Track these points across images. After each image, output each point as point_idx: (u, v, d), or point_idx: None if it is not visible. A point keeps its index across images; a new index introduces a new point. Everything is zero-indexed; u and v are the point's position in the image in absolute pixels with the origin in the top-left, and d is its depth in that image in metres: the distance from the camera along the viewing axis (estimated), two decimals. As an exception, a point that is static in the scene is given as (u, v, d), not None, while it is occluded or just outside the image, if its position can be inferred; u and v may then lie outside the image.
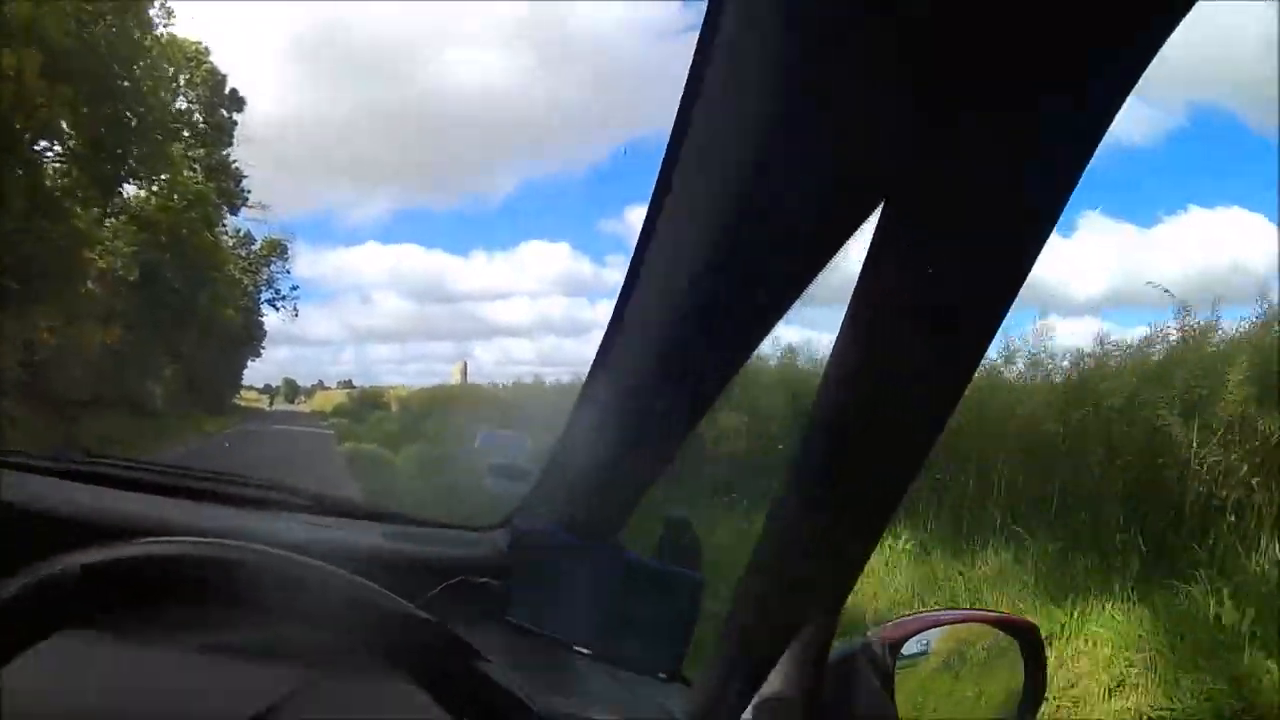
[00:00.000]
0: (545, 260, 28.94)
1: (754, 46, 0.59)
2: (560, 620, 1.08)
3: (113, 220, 18.13)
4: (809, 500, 0.88)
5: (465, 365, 22.97)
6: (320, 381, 37.05)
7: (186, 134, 26.84)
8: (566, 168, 30.21)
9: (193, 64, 26.17)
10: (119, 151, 19.02)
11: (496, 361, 23.17)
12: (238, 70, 20.01)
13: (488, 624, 1.05)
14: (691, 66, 0.61)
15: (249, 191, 28.14)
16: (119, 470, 1.36)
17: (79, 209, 17.00)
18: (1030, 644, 1.13)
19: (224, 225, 29.49)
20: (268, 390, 42.24)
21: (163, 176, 21.42)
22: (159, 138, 20.94)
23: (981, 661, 1.13)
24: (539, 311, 27.89)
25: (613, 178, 26.78)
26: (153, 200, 19.32)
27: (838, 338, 0.75)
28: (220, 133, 27.65)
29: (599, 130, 30.12)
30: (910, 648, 1.06)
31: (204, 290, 19.76)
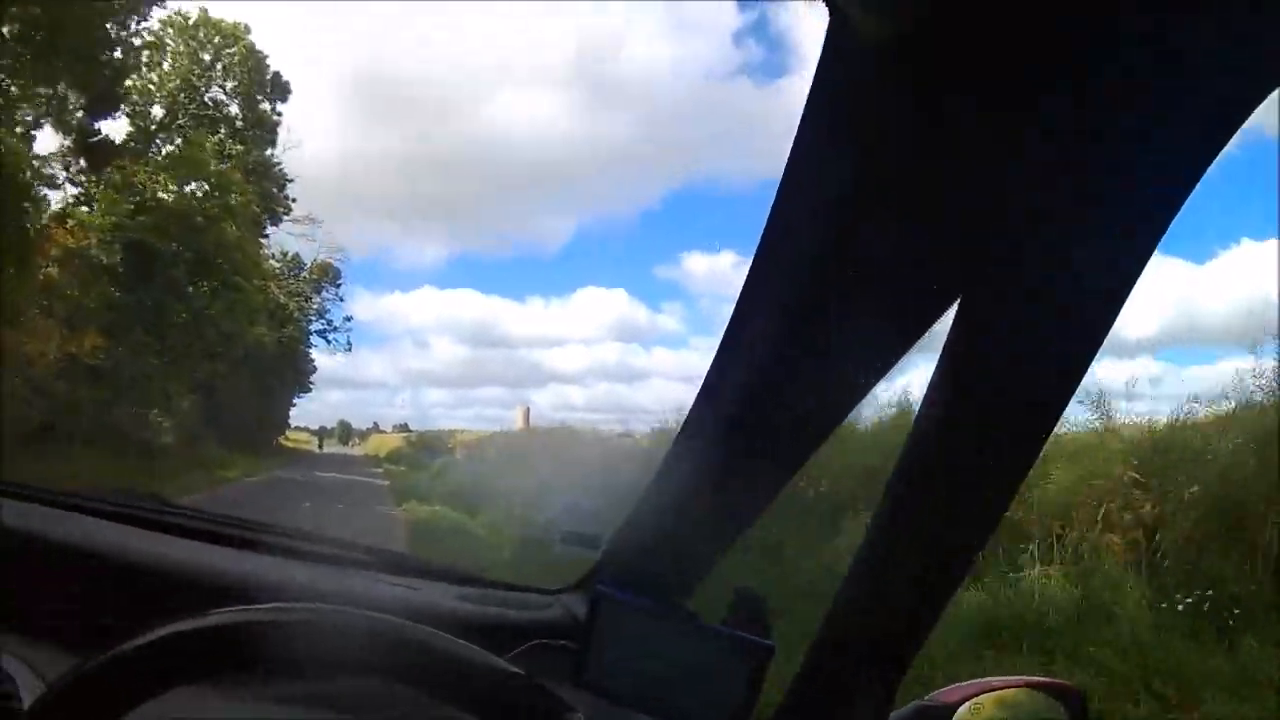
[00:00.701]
0: (600, 306, 29.77)
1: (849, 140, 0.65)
2: (633, 684, 1.11)
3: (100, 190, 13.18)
4: (881, 564, 0.93)
5: (528, 410, 21.45)
6: (375, 424, 36.53)
7: (223, 129, 22.10)
8: (621, 212, 30.78)
9: (228, 43, 21.68)
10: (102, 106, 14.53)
11: (551, 406, 23.38)
12: (291, 113, 19.88)
13: (561, 686, 0.99)
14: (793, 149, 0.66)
15: (294, 199, 23.73)
16: (185, 519, 1.39)
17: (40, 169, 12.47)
18: (1075, 708, 1.19)
19: (266, 238, 25.25)
20: (320, 432, 38.42)
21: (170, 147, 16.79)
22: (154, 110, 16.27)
23: None
24: (594, 357, 28.34)
25: (667, 223, 26.85)
26: (161, 178, 14.57)
27: (920, 407, 0.82)
28: (261, 128, 23.19)
29: (653, 174, 30.17)
30: (963, 712, 1.12)
31: (221, 299, 14.79)
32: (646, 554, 1.25)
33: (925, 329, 0.78)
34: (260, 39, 19.67)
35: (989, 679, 1.20)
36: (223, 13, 20.05)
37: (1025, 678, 1.23)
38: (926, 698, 1.13)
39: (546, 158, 27.04)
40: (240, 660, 0.70)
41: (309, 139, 21.40)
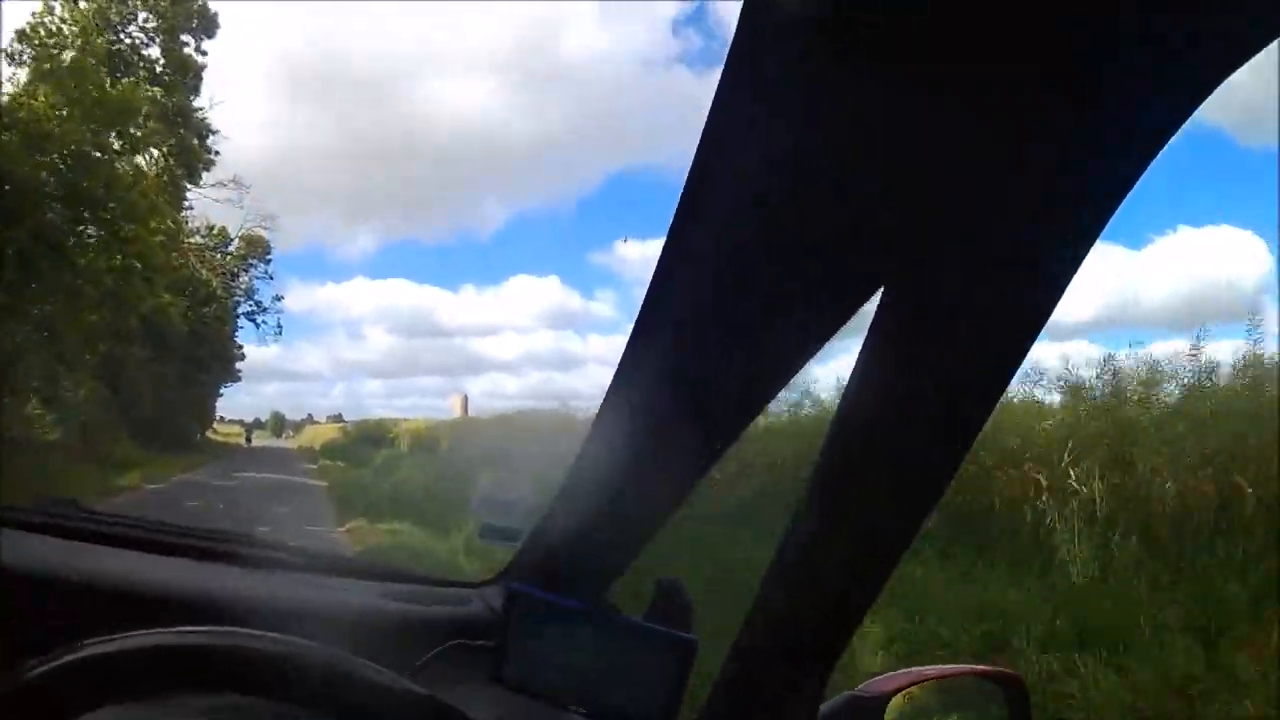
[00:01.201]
0: (534, 294, 30.58)
1: (764, 122, 0.64)
2: (554, 680, 1.11)
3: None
4: (808, 556, 0.94)
5: (465, 398, 22.62)
6: (309, 415, 38.30)
7: (141, 68, 18.84)
8: (555, 200, 30.05)
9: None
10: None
11: (485, 394, 23.87)
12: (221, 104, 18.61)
13: (482, 685, 1.12)
14: (702, 137, 0.65)
15: (217, 153, 20.70)
16: (108, 527, 1.38)
17: None
18: (1015, 695, 1.21)
19: (187, 204, 22.02)
20: (248, 425, 35.52)
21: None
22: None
23: (967, 715, 1.21)
24: (528, 345, 29.03)
25: (601, 210, 26.32)
26: (41, 98, 11.34)
27: (845, 392, 0.81)
28: (183, 71, 19.86)
29: (588, 162, 29.78)
30: (896, 701, 1.11)
31: (109, 253, 11.59)
32: (564, 547, 1.27)
33: (851, 313, 0.76)
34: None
35: (924, 668, 1.20)
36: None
37: (966, 666, 1.27)
38: (858, 688, 1.13)
39: (480, 145, 28.01)
40: (153, 685, 0.71)
41: (239, 129, 20.62)
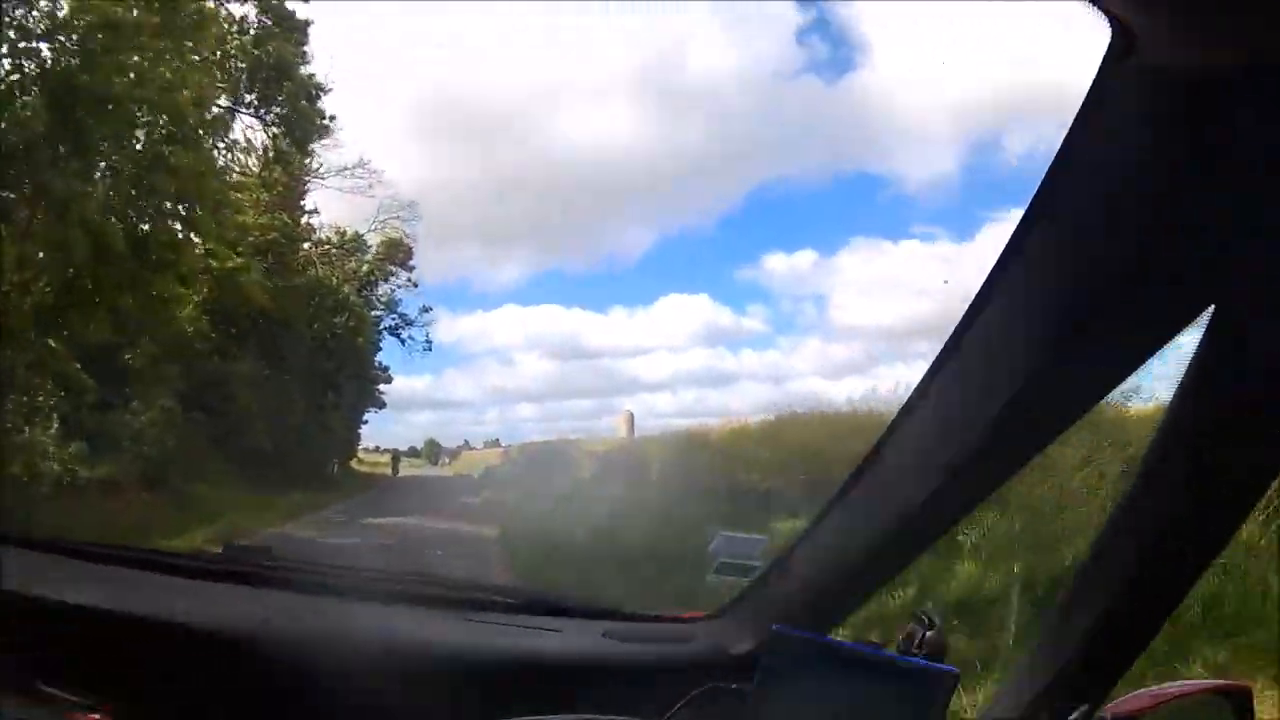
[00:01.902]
0: (685, 312, 29.12)
1: (1112, 163, 0.69)
2: None
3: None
4: (1108, 571, 1.03)
5: (631, 416, 20.28)
6: (465, 441, 35.80)
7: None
8: (698, 219, 31.92)
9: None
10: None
11: (640, 414, 20.08)
12: (364, 144, 18.58)
13: None
14: (1050, 170, 0.70)
15: (333, 118, 18.66)
16: (287, 573, 1.40)
17: None
18: (1240, 705, 1.23)
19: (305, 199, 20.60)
20: (396, 454, 31.97)
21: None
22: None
23: None
24: (680, 364, 27.56)
25: (745, 225, 26.12)
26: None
27: (1169, 416, 0.89)
28: (279, 24, 15.41)
29: (725, 178, 29.09)
30: None
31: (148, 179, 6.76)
32: (801, 583, 1.28)
33: (1163, 344, 0.80)
34: (325, 69, 17.52)
35: (1162, 688, 1.20)
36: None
37: (1200, 682, 1.32)
38: (1103, 709, 1.14)
39: (620, 169, 27.09)
40: None
41: (383, 168, 19.88)
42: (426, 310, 24.94)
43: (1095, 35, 0.64)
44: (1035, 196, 0.72)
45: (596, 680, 1.26)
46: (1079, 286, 0.77)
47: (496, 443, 31.74)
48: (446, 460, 39.34)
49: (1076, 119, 0.67)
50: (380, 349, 25.55)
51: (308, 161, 19.04)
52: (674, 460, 13.88)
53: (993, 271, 0.82)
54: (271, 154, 17.66)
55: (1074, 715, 1.05)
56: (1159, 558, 0.93)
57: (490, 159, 27.91)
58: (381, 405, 28.01)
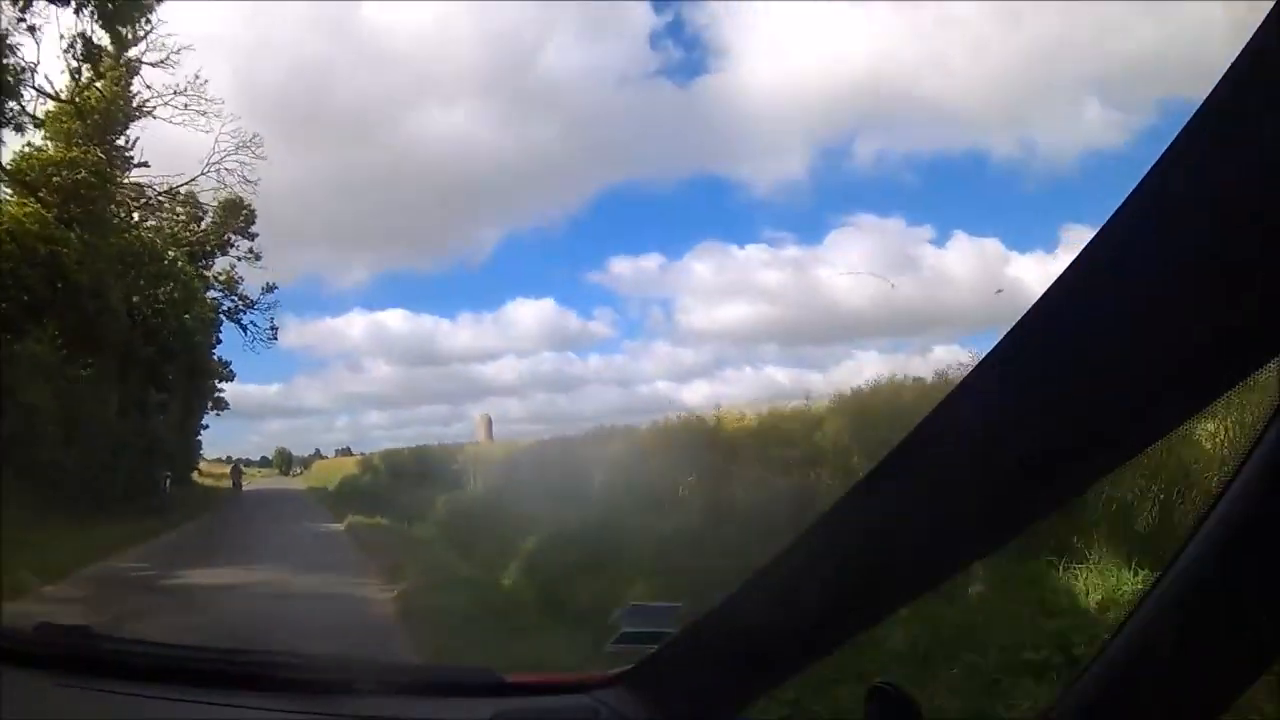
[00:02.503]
0: (531, 317, 30.72)
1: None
2: None
3: None
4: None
5: (489, 420, 19.51)
6: (317, 450, 35.98)
7: None
8: (545, 222, 32.39)
9: None
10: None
11: (493, 420, 19.49)
12: (208, 141, 16.41)
13: None
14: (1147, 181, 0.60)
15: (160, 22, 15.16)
16: (132, 653, 1.31)
17: None
18: None
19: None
20: (235, 465, 28.83)
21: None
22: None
23: None
24: (529, 368, 29.04)
25: (592, 229, 27.93)
26: None
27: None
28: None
29: (574, 181, 30.66)
30: None
31: None
32: (719, 656, 1.14)
33: (1238, 381, 0.64)
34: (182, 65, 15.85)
35: None
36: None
37: None
38: None
39: (467, 171, 27.94)
40: None
41: (229, 166, 17.50)
42: (270, 289, 21.62)
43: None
44: (1140, 185, 0.61)
45: None
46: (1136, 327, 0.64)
47: (348, 451, 30.23)
48: (299, 470, 38.86)
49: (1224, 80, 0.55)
50: (219, 339, 21.77)
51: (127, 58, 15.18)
52: (542, 461, 13.35)
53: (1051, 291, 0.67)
54: (81, 48, 13.65)
55: None
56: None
57: (335, 159, 27.08)
58: (224, 406, 24.14)
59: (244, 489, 25.80)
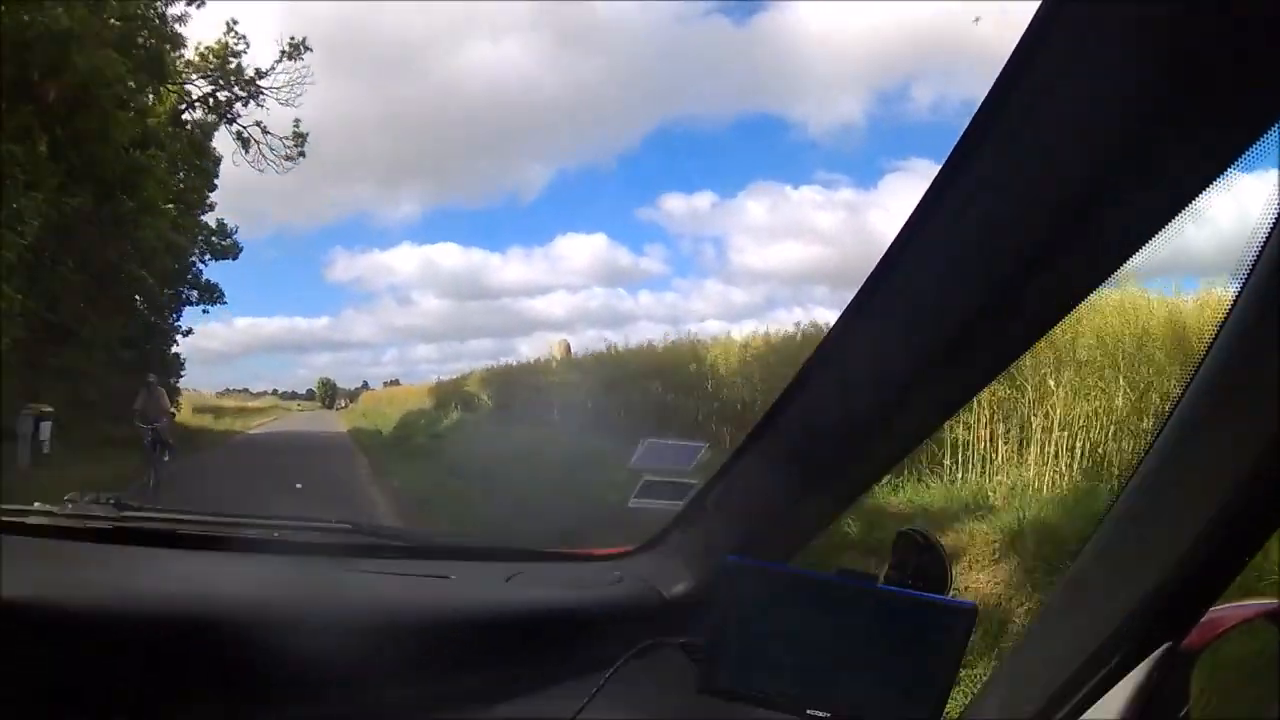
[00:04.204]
0: (582, 252, 28.00)
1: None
2: (786, 679, 0.92)
3: None
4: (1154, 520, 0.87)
5: (568, 343, 16.94)
6: (365, 382, 33.60)
7: None
8: (597, 157, 28.82)
9: None
10: None
11: (539, 356, 18.43)
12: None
13: (689, 695, 0.95)
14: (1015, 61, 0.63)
15: None
16: (140, 523, 1.23)
17: None
18: None
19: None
20: (150, 384, 20.94)
21: None
22: None
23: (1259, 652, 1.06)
24: (578, 304, 25.99)
25: (644, 165, 25.36)
26: None
27: None
28: None
29: (627, 118, 27.61)
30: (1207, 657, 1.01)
31: None
32: (742, 514, 1.13)
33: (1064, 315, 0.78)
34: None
35: (1223, 610, 0.98)
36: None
37: (1262, 603, 1.04)
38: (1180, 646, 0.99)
39: (517, 106, 25.34)
40: None
41: (274, 104, 15.57)
42: (252, 89, 15.35)
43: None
44: (977, 114, 0.65)
45: (496, 637, 1.09)
46: (1032, 210, 0.69)
47: (396, 382, 29.07)
48: (343, 403, 36.45)
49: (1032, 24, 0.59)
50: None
51: None
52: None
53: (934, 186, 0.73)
54: None
55: (1152, 655, 0.86)
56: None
57: (385, 94, 26.09)
58: (218, 297, 17.03)
59: (255, 431, 18.53)
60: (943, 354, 0.84)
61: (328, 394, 38.96)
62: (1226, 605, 1.01)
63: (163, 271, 14.66)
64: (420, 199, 32.87)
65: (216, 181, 16.25)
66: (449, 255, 28.82)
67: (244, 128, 15.81)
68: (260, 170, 15.81)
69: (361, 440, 16.21)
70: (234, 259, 17.02)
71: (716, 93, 28.68)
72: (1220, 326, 0.71)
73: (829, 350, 0.94)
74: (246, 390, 32.10)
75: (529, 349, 25.45)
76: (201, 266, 16.69)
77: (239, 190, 19.81)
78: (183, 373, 17.05)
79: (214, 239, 16.47)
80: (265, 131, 15.80)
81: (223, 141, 15.87)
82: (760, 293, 25.73)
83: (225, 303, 17.14)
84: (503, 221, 32.23)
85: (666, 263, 29.40)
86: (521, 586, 1.15)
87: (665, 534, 1.22)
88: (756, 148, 25.70)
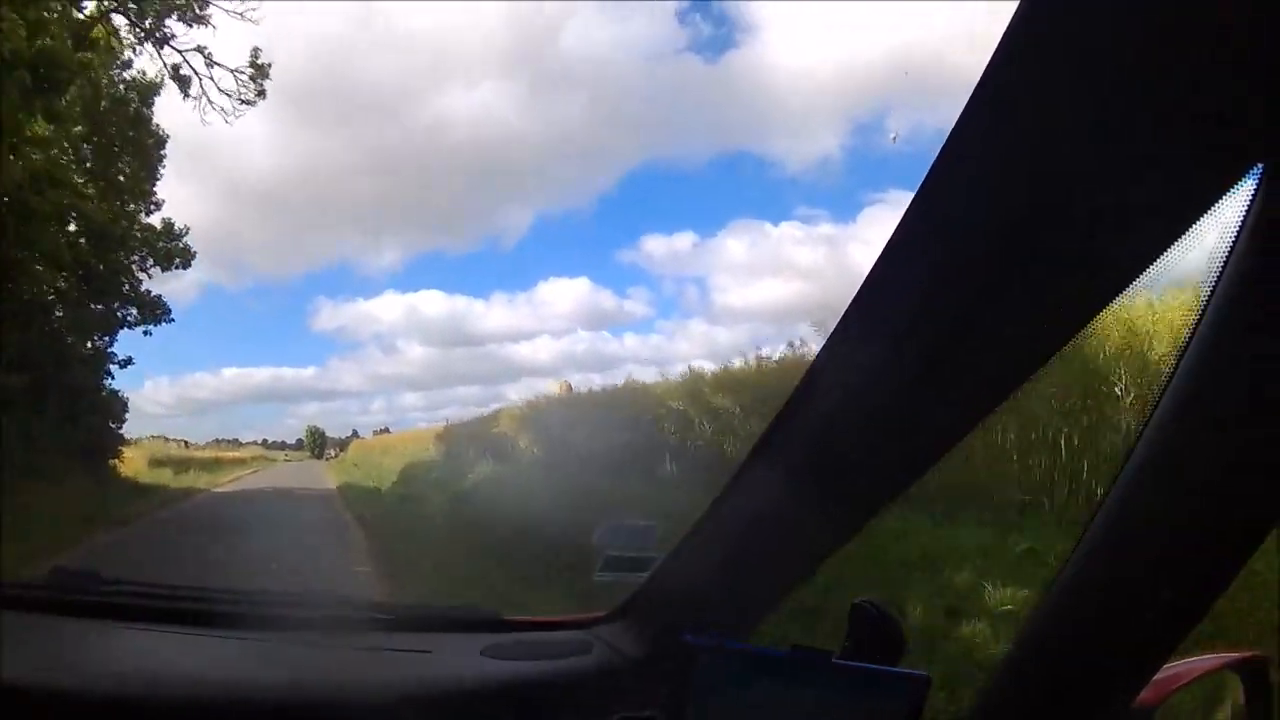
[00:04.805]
0: (565, 296, 28.59)
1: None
2: None
3: None
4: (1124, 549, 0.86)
5: (569, 385, 16.64)
6: (354, 431, 33.67)
7: None
8: (577, 200, 30.62)
9: None
10: None
11: (526, 401, 17.90)
12: (238, 126, 17.57)
13: None
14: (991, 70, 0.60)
15: None
16: (124, 598, 1.26)
17: None
18: (1255, 678, 1.17)
19: None
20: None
21: None
22: None
23: (1217, 704, 1.19)
24: (563, 349, 26.34)
25: (624, 207, 27.11)
26: None
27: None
28: None
29: (604, 159, 30.47)
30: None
31: None
32: (704, 584, 1.14)
33: (1070, 338, 0.72)
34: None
35: (1172, 667, 1.03)
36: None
37: (1209, 658, 1.12)
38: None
39: (496, 150, 26.78)
40: None
41: (252, 152, 14.70)
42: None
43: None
44: (950, 136, 0.63)
45: (477, 710, 1.12)
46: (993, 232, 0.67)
47: (385, 431, 29.20)
48: (333, 453, 35.84)
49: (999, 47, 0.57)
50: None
51: None
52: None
53: (860, 296, 0.74)
54: None
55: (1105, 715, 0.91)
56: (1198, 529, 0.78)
57: (361, 142, 28.02)
58: (164, 314, 13.36)
59: (224, 489, 14.87)
60: (896, 426, 0.83)
61: (316, 443, 37.92)
62: (1183, 661, 1.04)
63: (86, 274, 11.16)
64: (402, 246, 33.07)
65: (162, 169, 12.69)
66: (433, 303, 29.53)
67: (183, 55, 11.45)
68: (206, 122, 11.78)
69: (354, 500, 12.54)
70: (184, 267, 13.27)
71: (692, 132, 29.85)
72: (1164, 385, 0.73)
73: (791, 411, 0.90)
74: (236, 440, 31.80)
75: (516, 394, 24.82)
76: (142, 278, 12.90)
77: (218, 238, 19.72)
78: (126, 415, 13.72)
79: (159, 242, 12.53)
80: (211, 63, 11.57)
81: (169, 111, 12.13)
82: (745, 331, 27.32)
83: (172, 319, 13.40)
84: (485, 267, 32.65)
85: (650, 304, 29.98)
86: (497, 658, 1.16)
87: (633, 600, 1.24)
88: (735, 186, 26.48)
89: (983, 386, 0.78)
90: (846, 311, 0.77)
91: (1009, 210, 0.64)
